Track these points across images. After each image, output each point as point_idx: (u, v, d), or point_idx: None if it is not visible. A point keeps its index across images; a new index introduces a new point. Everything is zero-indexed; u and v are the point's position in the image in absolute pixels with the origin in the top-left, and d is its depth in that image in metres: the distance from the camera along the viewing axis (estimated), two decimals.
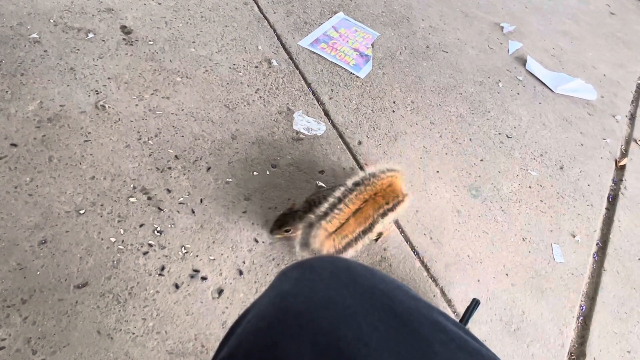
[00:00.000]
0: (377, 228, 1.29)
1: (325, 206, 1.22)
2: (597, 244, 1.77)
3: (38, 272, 1.22)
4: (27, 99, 1.55)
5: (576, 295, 1.59)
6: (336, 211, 1.22)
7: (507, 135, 2.03)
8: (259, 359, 0.49)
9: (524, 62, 2.46)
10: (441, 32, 2.47)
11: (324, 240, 1.21)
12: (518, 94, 2.26)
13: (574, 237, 1.74)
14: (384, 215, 1.29)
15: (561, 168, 1.98)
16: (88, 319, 1.18)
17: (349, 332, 0.48)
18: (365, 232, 1.27)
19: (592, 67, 2.61)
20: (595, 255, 1.73)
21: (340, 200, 1.24)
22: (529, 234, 1.70)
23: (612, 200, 1.94)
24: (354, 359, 0.46)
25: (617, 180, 2.03)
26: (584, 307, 1.58)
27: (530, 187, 1.86)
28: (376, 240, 1.49)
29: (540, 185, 1.88)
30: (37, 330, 1.13)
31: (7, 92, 1.55)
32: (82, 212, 1.35)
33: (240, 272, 1.36)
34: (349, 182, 1.26)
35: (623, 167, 2.09)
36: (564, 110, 2.26)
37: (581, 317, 1.56)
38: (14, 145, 1.44)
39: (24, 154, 1.42)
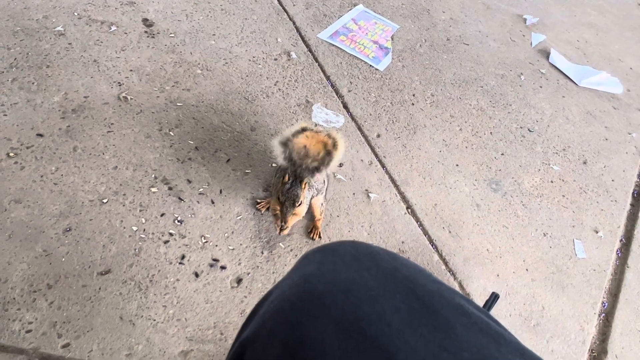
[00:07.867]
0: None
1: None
2: (621, 240, 1.73)
3: (63, 259, 1.25)
4: (52, 90, 1.59)
5: (598, 291, 1.56)
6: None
7: (528, 129, 2.00)
8: (283, 339, 0.49)
9: (547, 54, 2.41)
10: (462, 24, 2.44)
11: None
12: (541, 87, 2.22)
13: (597, 232, 1.71)
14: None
15: (584, 163, 1.94)
16: (111, 305, 1.21)
17: (372, 313, 0.49)
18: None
19: (618, 60, 2.54)
20: (618, 252, 1.69)
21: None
22: (550, 229, 1.68)
23: (637, 196, 1.89)
24: (376, 339, 0.46)
25: None
26: (606, 304, 1.55)
27: (552, 182, 1.83)
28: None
29: (563, 180, 1.85)
30: (62, 314, 1.17)
31: (33, 83, 1.59)
32: (105, 201, 1.38)
33: (259, 262, 1.37)
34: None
35: None
36: (588, 104, 2.21)
37: (603, 314, 1.53)
38: (40, 135, 1.47)
39: (49, 144, 1.46)
